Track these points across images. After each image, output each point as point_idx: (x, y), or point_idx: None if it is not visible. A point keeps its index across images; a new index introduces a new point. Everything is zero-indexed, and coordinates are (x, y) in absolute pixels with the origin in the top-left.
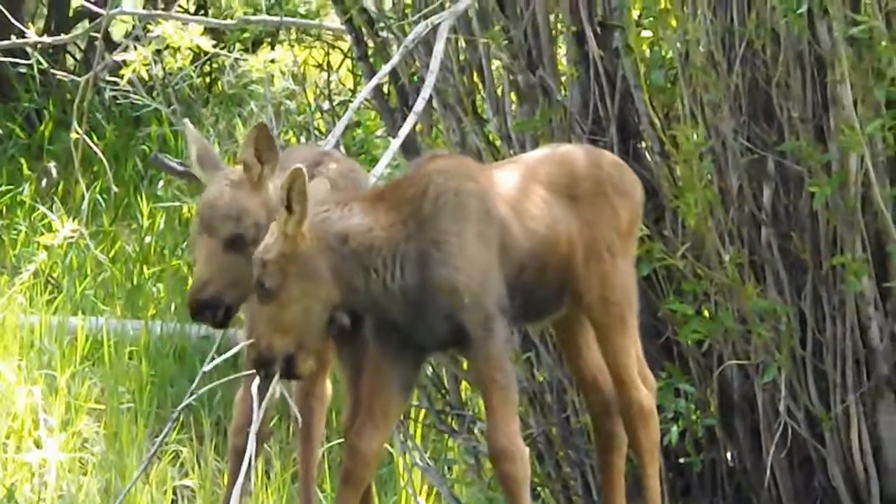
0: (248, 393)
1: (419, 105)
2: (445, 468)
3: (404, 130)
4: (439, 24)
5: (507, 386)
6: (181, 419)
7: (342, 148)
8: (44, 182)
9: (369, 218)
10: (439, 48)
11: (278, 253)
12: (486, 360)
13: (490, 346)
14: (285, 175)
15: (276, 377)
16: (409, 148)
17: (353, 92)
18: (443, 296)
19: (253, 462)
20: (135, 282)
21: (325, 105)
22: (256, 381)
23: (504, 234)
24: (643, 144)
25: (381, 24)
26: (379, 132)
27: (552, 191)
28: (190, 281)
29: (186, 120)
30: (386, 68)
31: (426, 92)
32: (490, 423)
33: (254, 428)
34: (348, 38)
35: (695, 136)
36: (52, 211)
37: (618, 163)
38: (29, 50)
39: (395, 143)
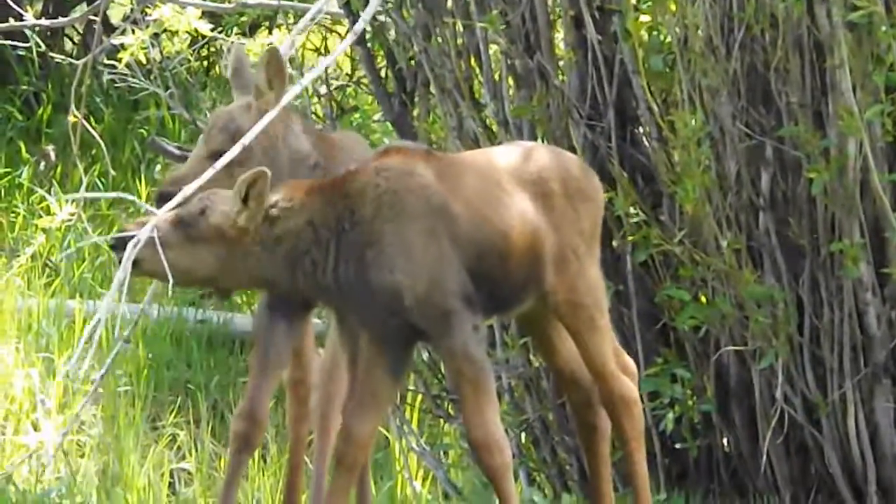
0: (254, 380)
1: (359, 26)
2: (441, 453)
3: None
4: None
5: (478, 377)
6: (178, 403)
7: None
8: (42, 165)
9: (305, 215)
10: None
11: (217, 227)
12: (450, 354)
13: (452, 341)
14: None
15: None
16: (405, 132)
17: (351, 76)
18: (383, 298)
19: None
20: None
21: (323, 89)
22: (260, 365)
23: (453, 225)
24: (641, 130)
25: (379, 8)
26: (376, 116)
27: (520, 185)
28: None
29: (233, 39)
30: (326, 61)
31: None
32: (464, 415)
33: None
34: (346, 21)
35: (693, 121)
36: (50, 194)
37: (583, 167)
38: (27, 33)
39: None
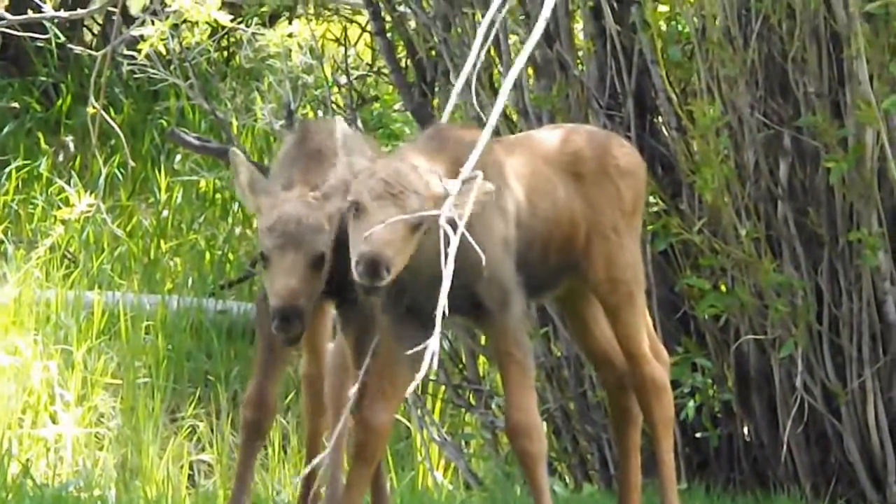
0: (260, 367)
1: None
2: (462, 443)
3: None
4: None
5: (524, 361)
6: (198, 394)
7: (360, 122)
8: (61, 156)
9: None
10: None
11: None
12: (502, 334)
13: (507, 321)
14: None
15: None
16: (426, 122)
17: (371, 66)
18: (466, 263)
19: None
20: (152, 256)
21: (343, 80)
22: (264, 352)
23: (518, 211)
24: (660, 119)
25: None
26: (396, 106)
27: (558, 169)
28: (207, 257)
29: (234, 148)
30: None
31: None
32: (507, 398)
33: None
34: (366, 12)
35: (711, 111)
36: (69, 185)
37: (621, 143)
38: (47, 24)
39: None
